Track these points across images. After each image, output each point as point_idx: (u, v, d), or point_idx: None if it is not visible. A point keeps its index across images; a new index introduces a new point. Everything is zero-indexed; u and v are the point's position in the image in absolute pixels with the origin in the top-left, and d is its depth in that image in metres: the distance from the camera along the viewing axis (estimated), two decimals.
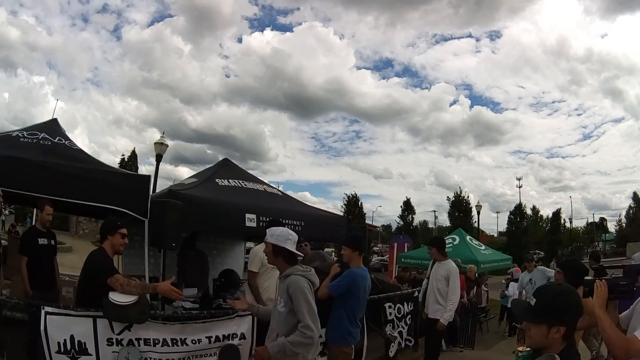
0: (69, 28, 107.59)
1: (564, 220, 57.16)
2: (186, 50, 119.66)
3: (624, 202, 70.77)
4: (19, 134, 6.94)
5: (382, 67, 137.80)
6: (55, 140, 6.95)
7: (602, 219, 72.18)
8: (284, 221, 7.16)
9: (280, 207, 8.24)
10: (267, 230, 4.35)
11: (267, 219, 7.11)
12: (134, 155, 52.68)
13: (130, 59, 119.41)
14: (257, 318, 5.19)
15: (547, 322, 2.33)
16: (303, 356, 3.86)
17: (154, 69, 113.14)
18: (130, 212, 6.09)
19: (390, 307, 7.89)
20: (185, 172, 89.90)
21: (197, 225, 6.68)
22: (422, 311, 7.46)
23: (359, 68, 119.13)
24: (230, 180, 8.29)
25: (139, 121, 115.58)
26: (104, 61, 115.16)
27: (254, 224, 7.21)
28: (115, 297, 4.44)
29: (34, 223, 8.61)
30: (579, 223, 70.29)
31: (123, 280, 4.56)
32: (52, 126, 7.64)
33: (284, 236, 4.14)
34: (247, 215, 7.21)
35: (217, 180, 8.16)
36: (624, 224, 61.26)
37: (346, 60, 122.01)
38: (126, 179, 6.45)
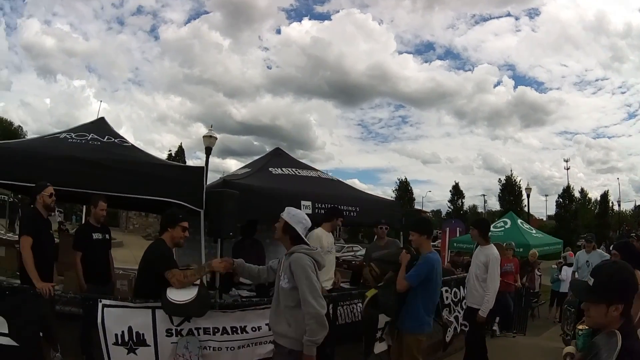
0: (105, 32, 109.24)
1: (612, 203, 56.05)
2: (225, 44, 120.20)
3: None
4: (67, 135, 7.03)
5: (424, 50, 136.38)
6: (105, 140, 7.04)
7: None
8: (340, 207, 7.15)
9: (335, 193, 8.27)
10: (286, 208, 4.44)
11: (323, 206, 7.17)
12: (181, 150, 53.67)
13: (169, 57, 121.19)
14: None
15: (606, 301, 2.32)
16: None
17: (195, 65, 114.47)
18: (185, 204, 6.12)
19: (446, 291, 7.73)
20: (233, 165, 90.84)
21: (252, 214, 6.70)
22: None
23: (400, 52, 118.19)
24: (283, 169, 8.39)
25: (183, 117, 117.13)
26: (143, 61, 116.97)
27: (309, 211, 7.20)
28: (174, 297, 4.42)
29: (83, 220, 8.72)
30: (627, 206, 68.79)
31: (180, 275, 4.53)
32: (100, 125, 7.74)
33: (298, 219, 4.28)
34: (303, 203, 7.26)
35: (270, 169, 8.27)
36: None
37: (387, 45, 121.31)
38: (180, 171, 6.55)
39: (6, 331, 4.52)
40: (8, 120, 67.98)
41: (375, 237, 7.89)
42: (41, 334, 4.81)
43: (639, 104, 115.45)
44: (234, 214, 6.22)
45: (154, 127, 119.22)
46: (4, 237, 9.52)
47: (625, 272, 2.41)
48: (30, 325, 4.64)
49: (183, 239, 4.91)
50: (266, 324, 5.15)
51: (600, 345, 2.27)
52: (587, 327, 2.68)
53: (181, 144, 59.20)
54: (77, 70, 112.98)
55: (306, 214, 6.99)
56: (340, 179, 9.76)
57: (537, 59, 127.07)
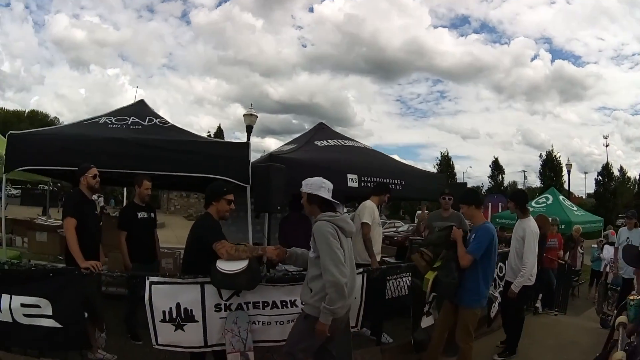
0: (136, 20, 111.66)
1: None
2: (258, 25, 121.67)
3: None
4: (107, 120, 7.06)
5: (459, 24, 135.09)
6: (146, 123, 7.07)
7: None
8: (385, 180, 7.10)
9: (380, 166, 8.22)
10: (303, 182, 4.45)
11: (369, 179, 7.28)
12: (219, 131, 54.12)
13: (203, 40, 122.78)
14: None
15: None
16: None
17: (229, 47, 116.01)
18: (232, 180, 6.11)
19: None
20: (272, 143, 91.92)
21: (299, 188, 6.62)
22: None
23: (435, 27, 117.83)
24: (329, 140, 8.40)
25: (220, 98, 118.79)
26: (177, 46, 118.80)
27: (355, 184, 7.27)
28: (223, 266, 4.36)
29: (124, 203, 8.76)
30: None
31: (229, 247, 4.47)
32: (140, 107, 7.76)
33: (317, 184, 4.31)
34: (349, 176, 7.27)
35: (315, 142, 8.27)
36: None
37: (421, 20, 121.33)
38: (225, 147, 6.57)
39: (50, 313, 4.57)
40: (43, 112, 69.23)
41: (440, 208, 7.74)
42: (86, 314, 4.82)
43: None
44: (282, 189, 6.21)
45: (191, 110, 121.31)
46: (45, 224, 9.60)
47: None
48: (74, 307, 4.67)
49: (228, 212, 4.84)
50: None
51: None
52: (638, 298, 2.68)
53: (220, 125, 59.74)
54: (110, 59, 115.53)
55: (352, 187, 7.07)
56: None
57: (573, 32, 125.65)
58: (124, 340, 5.72)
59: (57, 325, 4.59)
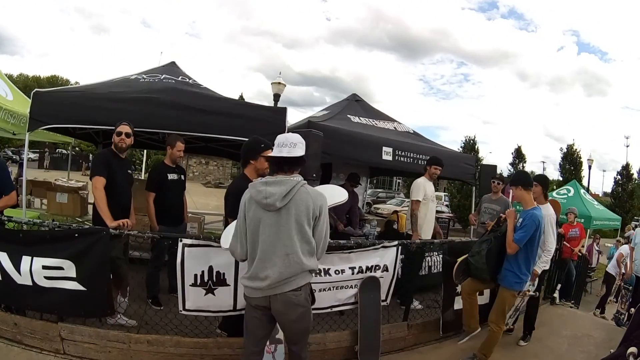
0: None
1: None
2: None
3: None
4: (138, 76, 6.98)
5: (487, 8, 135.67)
6: (179, 79, 6.96)
7: None
8: (418, 156, 7.09)
9: (414, 144, 8.19)
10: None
11: (403, 154, 7.34)
12: (242, 100, 53.88)
13: (227, 9, 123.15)
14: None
15: None
16: None
17: (253, 17, 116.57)
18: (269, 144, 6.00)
19: None
20: (293, 114, 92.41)
21: (335, 156, 6.63)
22: None
23: (463, 9, 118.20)
24: (361, 118, 8.38)
25: (243, 68, 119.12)
26: (200, 14, 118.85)
27: (390, 158, 7.21)
28: None
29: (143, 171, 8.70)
30: None
31: None
32: (172, 68, 7.69)
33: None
34: (384, 149, 7.24)
35: (349, 115, 8.26)
36: None
37: (449, 0, 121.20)
38: (263, 111, 6.47)
39: (74, 275, 4.49)
40: (64, 78, 69.45)
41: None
42: (111, 277, 4.73)
43: None
44: (319, 156, 6.14)
45: (214, 78, 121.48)
46: (66, 185, 9.58)
47: None
48: (100, 269, 4.56)
49: (268, 170, 4.38)
50: (350, 268, 5.09)
51: None
52: None
53: (242, 94, 59.69)
54: (132, 26, 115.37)
55: (386, 160, 7.07)
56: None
57: (601, 26, 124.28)
58: (145, 305, 5.62)
59: (81, 288, 4.50)
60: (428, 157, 7.41)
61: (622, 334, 5.76)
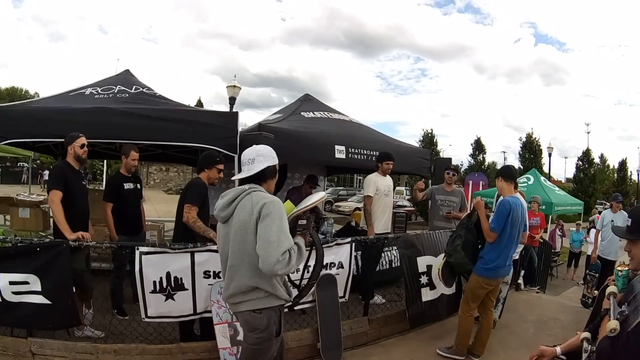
0: None
1: (631, 172, 55.30)
2: None
3: None
4: (93, 90, 6.97)
5: (444, 3, 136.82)
6: (132, 90, 6.99)
7: None
8: (371, 152, 7.21)
9: (368, 139, 8.26)
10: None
11: (356, 151, 7.41)
12: (199, 104, 53.54)
13: (182, 12, 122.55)
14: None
15: None
16: None
17: (208, 20, 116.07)
18: (220, 150, 6.05)
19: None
20: (252, 116, 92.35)
21: (288, 158, 6.61)
22: None
23: (418, 5, 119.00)
24: (315, 112, 8.40)
25: (200, 71, 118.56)
26: (156, 18, 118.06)
27: (343, 156, 7.25)
28: None
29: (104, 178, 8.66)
30: None
31: (194, 216, 4.79)
32: (126, 77, 7.67)
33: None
34: (337, 147, 7.26)
35: (302, 113, 8.28)
36: None
37: None
38: (214, 116, 6.45)
39: (39, 289, 4.49)
40: (23, 89, 68.47)
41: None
42: (74, 289, 4.73)
43: None
44: None
45: (171, 83, 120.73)
46: (28, 199, 9.52)
47: None
48: (63, 282, 4.58)
49: (217, 180, 5.26)
50: (304, 266, 5.20)
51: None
52: (625, 269, 2.75)
53: (200, 98, 59.51)
54: (89, 33, 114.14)
55: (340, 158, 7.19)
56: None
57: (558, 17, 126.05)
58: (110, 316, 5.64)
59: (46, 301, 4.50)
60: None
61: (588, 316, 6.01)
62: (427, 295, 6.42)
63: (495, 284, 5.54)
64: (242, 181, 3.50)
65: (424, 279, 6.40)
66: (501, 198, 5.56)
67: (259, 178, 3.47)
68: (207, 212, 5.32)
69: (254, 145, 3.70)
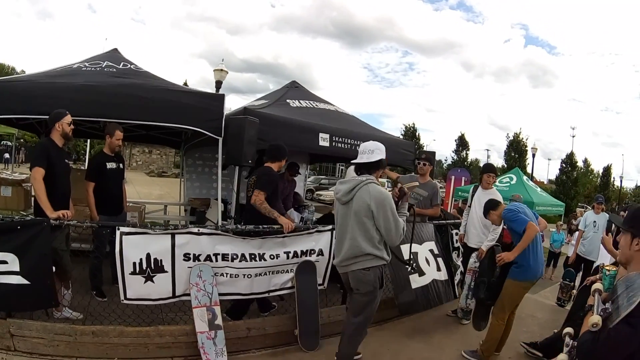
0: None
1: (614, 178, 55.98)
2: None
3: None
4: (80, 65, 6.90)
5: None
6: (120, 66, 6.91)
7: None
8: (355, 142, 7.21)
9: (353, 129, 8.22)
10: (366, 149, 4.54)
11: (341, 140, 7.39)
12: (185, 86, 53.41)
13: None
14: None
15: (631, 232, 2.46)
16: None
17: (197, 3, 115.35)
18: (205, 132, 6.06)
19: (456, 234, 7.76)
20: (237, 101, 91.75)
21: (269, 144, 6.61)
22: (461, 240, 7.31)
23: None
24: (301, 101, 8.38)
25: (187, 54, 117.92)
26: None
27: (327, 144, 7.25)
28: None
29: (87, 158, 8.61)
30: (628, 184, 68.54)
31: (261, 199, 5.40)
32: (114, 54, 7.61)
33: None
34: (321, 135, 7.25)
35: (288, 100, 8.26)
36: None
37: None
38: (200, 97, 6.35)
39: (17, 269, 4.41)
40: (10, 66, 67.79)
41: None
42: (54, 270, 4.69)
43: None
44: (254, 142, 6.17)
45: (157, 64, 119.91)
46: (10, 178, 9.41)
47: None
48: (42, 262, 4.51)
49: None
50: (285, 252, 5.23)
51: (623, 287, 2.36)
52: (614, 269, 2.77)
53: (186, 81, 59.23)
54: (78, 11, 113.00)
55: (323, 146, 7.19)
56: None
57: (551, 21, 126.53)
58: (89, 297, 5.63)
59: (25, 282, 4.42)
60: None
61: (565, 315, 6.08)
62: (416, 281, 6.43)
63: (531, 286, 5.47)
64: (358, 166, 4.55)
65: (411, 267, 6.38)
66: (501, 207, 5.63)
67: (374, 167, 4.47)
68: (277, 197, 6.00)
69: (373, 141, 4.62)
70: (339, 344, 4.67)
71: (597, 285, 2.73)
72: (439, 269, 6.89)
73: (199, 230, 4.97)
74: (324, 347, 5.43)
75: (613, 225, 7.78)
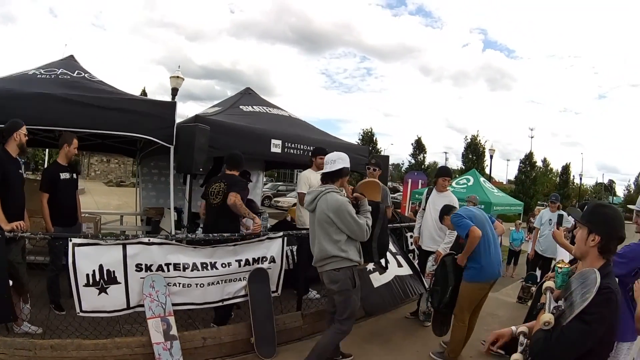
0: None
1: (573, 176, 57.00)
2: None
3: (635, 168, 71.01)
4: (36, 71, 6.86)
5: (395, 5, 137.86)
6: (75, 75, 6.89)
7: (611, 181, 71.87)
8: (307, 147, 7.27)
9: (305, 134, 8.26)
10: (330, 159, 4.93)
11: (293, 146, 7.50)
12: (144, 94, 52.67)
13: None
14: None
15: (587, 226, 2.52)
16: None
17: (156, 8, 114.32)
18: (156, 140, 6.07)
19: (411, 236, 7.88)
20: (194, 108, 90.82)
21: (223, 151, 6.64)
22: (416, 242, 7.39)
23: (369, 4, 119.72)
24: (254, 107, 8.43)
25: (145, 61, 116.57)
26: (106, 3, 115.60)
27: (279, 150, 7.36)
28: None
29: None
30: (588, 181, 70.22)
31: (239, 200, 5.62)
32: (70, 62, 7.57)
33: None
34: (273, 141, 7.35)
35: (241, 106, 8.30)
36: (632, 190, 61.59)
37: None
38: (152, 105, 6.38)
39: None
40: None
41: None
42: (10, 283, 4.64)
43: (610, 87, 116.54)
44: (206, 150, 6.22)
45: (117, 71, 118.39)
46: None
47: (608, 209, 2.61)
48: None
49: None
50: (236, 260, 5.28)
51: (578, 283, 2.39)
52: (566, 266, 2.82)
53: (144, 88, 58.65)
54: (39, 16, 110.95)
55: (275, 152, 7.28)
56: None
57: (508, 25, 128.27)
58: (47, 311, 5.60)
59: None
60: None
61: (525, 312, 6.24)
62: (378, 280, 6.47)
63: (488, 287, 5.57)
64: (322, 177, 4.95)
65: (370, 266, 6.32)
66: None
67: (336, 175, 4.86)
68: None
69: (336, 152, 5.02)
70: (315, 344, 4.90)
71: (549, 283, 2.78)
72: (400, 265, 6.93)
73: (149, 240, 5.00)
74: (280, 354, 5.46)
75: (564, 220, 7.99)
